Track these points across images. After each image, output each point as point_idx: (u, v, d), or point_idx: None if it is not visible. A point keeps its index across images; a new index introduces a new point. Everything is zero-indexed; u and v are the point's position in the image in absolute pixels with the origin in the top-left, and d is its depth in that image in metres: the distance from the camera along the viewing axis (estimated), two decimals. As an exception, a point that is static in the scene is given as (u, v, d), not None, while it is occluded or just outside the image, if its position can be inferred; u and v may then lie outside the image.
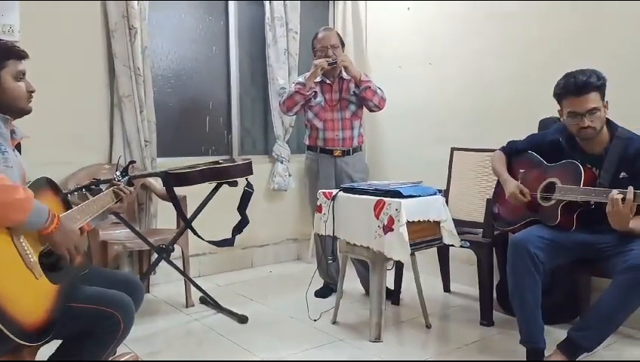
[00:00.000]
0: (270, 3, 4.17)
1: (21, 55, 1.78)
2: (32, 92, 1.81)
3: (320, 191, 3.06)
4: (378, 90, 3.36)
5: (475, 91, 3.69)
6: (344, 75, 3.39)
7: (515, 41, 3.44)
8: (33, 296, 1.50)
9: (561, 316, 2.88)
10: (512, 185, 2.58)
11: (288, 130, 4.32)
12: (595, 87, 2.31)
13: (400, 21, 4.21)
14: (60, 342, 1.73)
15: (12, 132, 1.81)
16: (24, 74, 1.78)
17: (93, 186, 2.05)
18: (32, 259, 1.52)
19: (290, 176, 4.34)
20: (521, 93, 3.37)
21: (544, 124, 2.98)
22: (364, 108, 3.45)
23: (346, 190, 2.93)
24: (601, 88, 2.33)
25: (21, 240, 1.50)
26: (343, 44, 3.46)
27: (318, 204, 3.00)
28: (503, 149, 2.78)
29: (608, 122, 2.42)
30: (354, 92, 3.38)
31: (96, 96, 3.55)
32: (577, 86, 2.31)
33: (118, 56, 3.49)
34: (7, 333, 1.35)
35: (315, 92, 3.39)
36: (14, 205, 1.46)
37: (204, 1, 4.07)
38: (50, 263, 1.61)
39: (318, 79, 3.38)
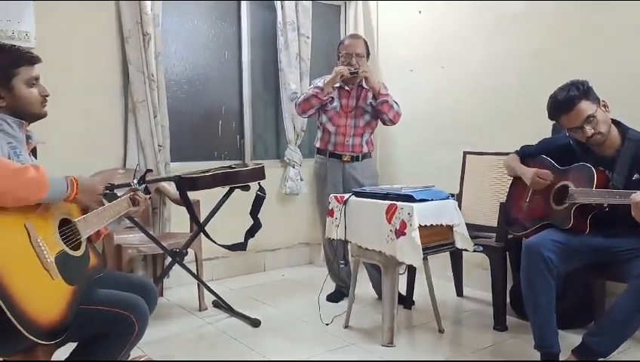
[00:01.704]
0: (282, 8, 4.19)
1: (33, 60, 1.79)
2: (47, 96, 1.83)
3: (332, 195, 3.06)
4: (394, 105, 3.36)
5: (488, 94, 3.67)
6: (364, 84, 3.40)
7: (527, 43, 3.43)
8: (49, 296, 1.51)
9: (575, 320, 2.86)
10: (530, 172, 2.58)
11: (300, 134, 4.33)
12: (580, 97, 2.31)
13: (411, 25, 4.21)
14: (74, 345, 1.75)
15: (28, 137, 1.83)
16: (37, 79, 1.80)
17: (108, 191, 2.08)
18: (48, 260, 1.54)
19: (301, 180, 4.35)
20: (534, 96, 3.33)
21: (558, 127, 2.96)
22: (378, 120, 3.46)
23: (358, 194, 2.93)
24: (587, 94, 2.32)
25: (38, 240, 1.52)
26: (368, 54, 3.46)
27: (330, 208, 3.01)
28: (516, 153, 2.78)
29: (619, 124, 2.41)
30: (371, 102, 3.38)
31: (111, 102, 3.59)
32: (562, 104, 2.34)
33: (133, 62, 3.53)
34: (22, 331, 1.37)
35: (332, 97, 3.40)
36: (29, 185, 1.49)
37: (217, 1, 4.10)
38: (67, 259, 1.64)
39: (337, 84, 3.39)
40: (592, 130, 2.32)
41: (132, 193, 2.06)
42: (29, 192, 1.49)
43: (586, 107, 2.31)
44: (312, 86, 3.48)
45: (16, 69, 1.73)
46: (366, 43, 3.48)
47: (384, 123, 3.44)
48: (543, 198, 2.57)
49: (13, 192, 1.45)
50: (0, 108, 1.72)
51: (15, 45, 1.78)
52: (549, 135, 2.93)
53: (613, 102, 2.42)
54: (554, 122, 2.94)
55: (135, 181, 2.14)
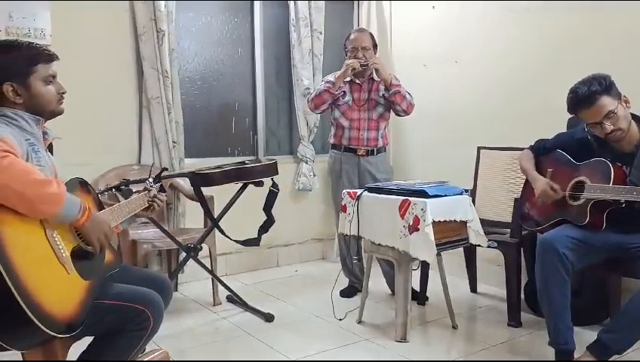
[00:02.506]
0: (295, 4, 4.19)
1: (50, 58, 1.79)
2: (63, 93, 1.84)
3: (344, 191, 3.06)
4: (407, 95, 3.35)
5: (502, 89, 3.64)
6: (375, 76, 3.39)
7: (542, 38, 3.39)
8: (64, 290, 1.53)
9: (590, 317, 2.83)
10: (541, 183, 2.54)
11: (313, 130, 4.33)
12: (602, 93, 2.27)
13: (425, 20, 4.18)
14: (90, 339, 1.77)
15: (44, 133, 1.85)
16: (54, 76, 1.80)
17: (123, 187, 2.09)
18: (64, 254, 1.55)
19: (314, 176, 4.36)
20: (549, 91, 3.31)
21: (573, 122, 2.93)
22: (391, 112, 3.45)
23: (371, 190, 2.93)
24: (609, 90, 2.28)
25: (54, 235, 1.54)
26: (375, 46, 3.45)
27: (343, 203, 3.01)
28: (531, 148, 2.75)
29: (638, 119, 2.37)
30: (383, 94, 3.38)
31: (126, 98, 3.62)
32: (583, 99, 2.30)
33: (147, 58, 3.56)
34: (39, 324, 1.39)
35: (344, 91, 3.40)
36: (47, 198, 1.50)
37: (231, 1, 4.11)
38: (82, 255, 1.66)
39: (348, 79, 3.38)
40: (612, 127, 2.29)
41: (147, 192, 2.07)
42: (44, 205, 1.50)
43: (607, 103, 2.27)
44: (323, 81, 3.48)
45: (34, 67, 1.74)
46: (372, 36, 3.47)
47: (397, 114, 3.43)
48: (559, 194, 2.54)
49: (31, 200, 1.47)
50: (17, 106, 1.74)
51: (32, 43, 1.79)
52: (564, 130, 2.90)
53: (635, 97, 2.38)
54: (570, 117, 2.92)
55: (151, 179, 2.14)
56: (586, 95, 2.28)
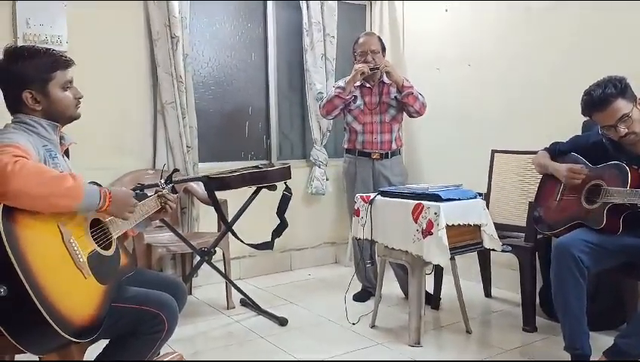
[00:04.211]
0: (307, 8, 4.20)
1: (67, 64, 1.82)
2: (80, 98, 1.88)
3: (358, 195, 3.06)
4: (420, 97, 3.36)
5: (516, 92, 3.62)
6: (385, 79, 3.39)
7: (556, 39, 3.37)
8: (82, 295, 1.55)
9: (606, 322, 2.80)
10: (565, 166, 2.53)
11: (326, 134, 4.34)
12: (616, 95, 2.25)
13: (438, 23, 4.17)
14: (106, 342, 1.79)
15: (61, 138, 1.88)
16: (71, 82, 1.83)
17: (138, 191, 2.11)
18: (81, 259, 1.57)
19: (327, 180, 4.36)
20: (563, 93, 3.29)
21: (588, 125, 2.91)
22: (404, 113, 3.45)
23: (384, 194, 2.93)
24: (624, 93, 2.26)
25: (71, 240, 1.56)
26: (384, 49, 3.46)
27: (356, 207, 3.01)
28: (546, 149, 2.73)
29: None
30: (395, 96, 3.38)
31: (140, 104, 3.65)
32: (597, 101, 2.28)
33: (161, 64, 3.59)
34: (58, 329, 1.40)
35: (355, 96, 3.40)
36: (66, 193, 1.52)
37: (243, 1, 4.13)
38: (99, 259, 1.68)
39: (358, 83, 3.39)
40: (626, 130, 2.27)
41: (159, 193, 2.09)
42: (64, 200, 1.53)
43: (622, 106, 2.26)
44: (333, 87, 3.49)
45: (53, 74, 1.77)
46: (380, 39, 3.48)
47: (410, 115, 3.44)
48: (574, 197, 2.52)
49: (49, 199, 1.49)
50: (36, 112, 1.77)
51: (50, 49, 1.82)
52: (579, 133, 2.87)
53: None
54: (585, 120, 2.90)
55: (162, 181, 2.17)
56: (601, 98, 2.27)
